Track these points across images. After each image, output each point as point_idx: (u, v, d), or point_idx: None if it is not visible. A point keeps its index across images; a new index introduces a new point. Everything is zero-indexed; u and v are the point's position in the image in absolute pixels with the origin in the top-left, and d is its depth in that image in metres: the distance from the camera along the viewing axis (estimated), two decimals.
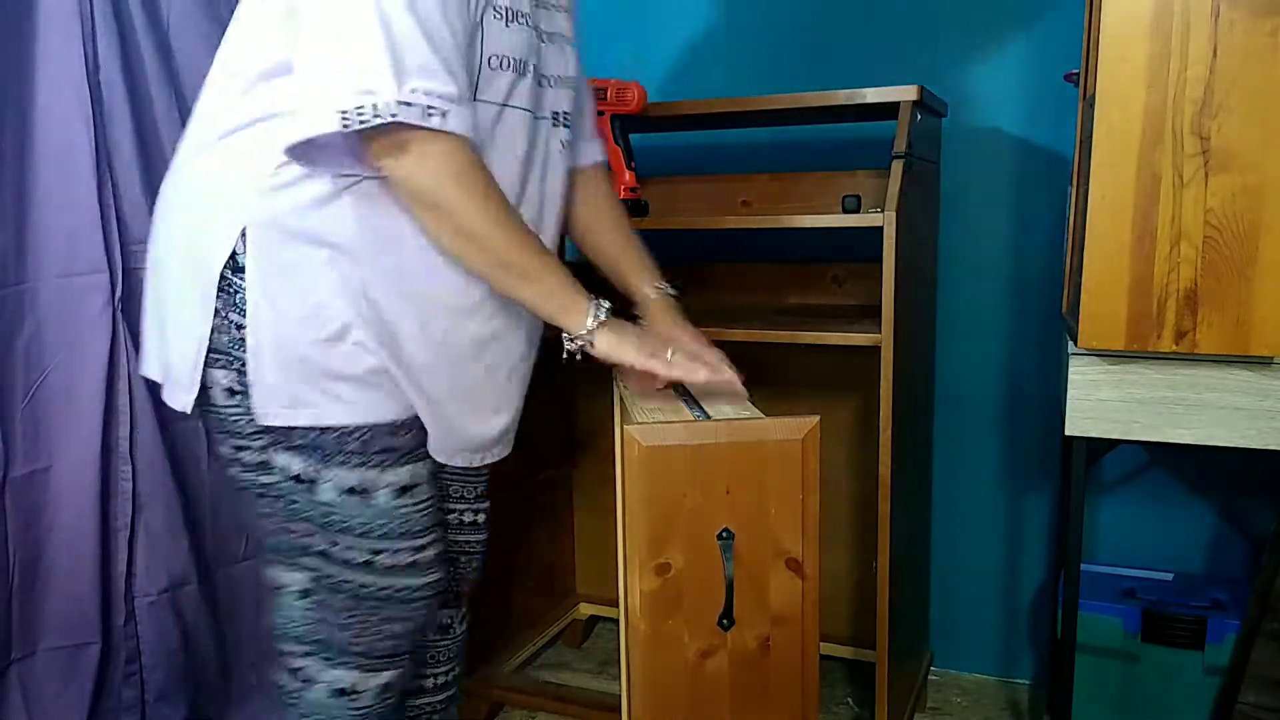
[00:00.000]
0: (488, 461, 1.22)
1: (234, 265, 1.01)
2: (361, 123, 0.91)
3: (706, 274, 1.90)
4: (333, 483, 1.06)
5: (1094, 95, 1.13)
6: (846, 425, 1.82)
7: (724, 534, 1.01)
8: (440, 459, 1.13)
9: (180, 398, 1.06)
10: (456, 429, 1.13)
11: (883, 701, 1.46)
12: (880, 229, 1.35)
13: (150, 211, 1.51)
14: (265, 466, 1.07)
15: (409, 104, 0.92)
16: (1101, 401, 1.19)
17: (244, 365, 1.02)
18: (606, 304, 1.09)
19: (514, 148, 1.09)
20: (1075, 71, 1.42)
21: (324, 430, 1.04)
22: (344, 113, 0.91)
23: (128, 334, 1.50)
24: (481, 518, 1.34)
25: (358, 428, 1.05)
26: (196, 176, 1.07)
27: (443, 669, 1.35)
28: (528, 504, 1.91)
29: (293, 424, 1.03)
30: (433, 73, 0.93)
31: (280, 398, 1.03)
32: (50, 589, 1.51)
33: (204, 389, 1.05)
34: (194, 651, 1.64)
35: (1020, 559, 1.84)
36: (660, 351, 1.10)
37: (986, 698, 1.84)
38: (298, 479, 1.06)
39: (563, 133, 1.17)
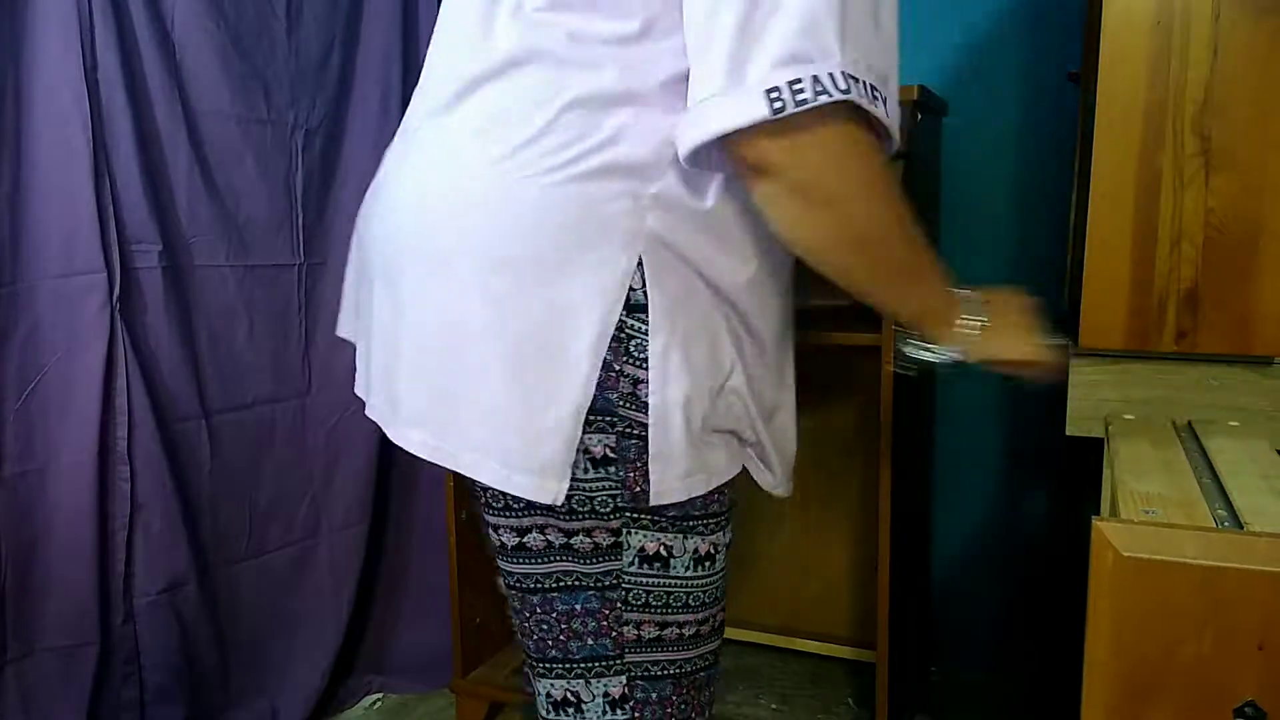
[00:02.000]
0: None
1: (629, 305, 0.78)
2: (800, 104, 0.69)
3: None
4: (688, 555, 0.88)
5: (1094, 95, 1.13)
6: (846, 425, 1.82)
7: (1247, 710, 0.68)
8: (783, 493, 0.99)
9: (548, 487, 0.80)
10: (786, 453, 0.98)
11: (883, 701, 1.46)
12: None
13: (150, 210, 1.53)
14: (610, 552, 0.86)
15: (855, 78, 0.70)
16: (1102, 401, 1.19)
17: (628, 427, 0.81)
18: (966, 290, 0.89)
19: None
20: (1075, 71, 1.42)
21: (698, 497, 0.86)
22: (773, 91, 0.69)
23: (126, 334, 1.50)
24: None
25: (719, 488, 0.88)
26: (530, 184, 0.78)
27: None
28: None
29: (690, 495, 0.84)
30: (868, 44, 0.72)
31: (680, 466, 0.82)
32: (48, 589, 1.50)
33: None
34: (192, 652, 1.64)
35: (1020, 559, 1.84)
36: (1033, 331, 0.91)
37: (986, 698, 1.84)
38: (652, 558, 0.87)
39: None
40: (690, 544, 0.88)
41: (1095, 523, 0.70)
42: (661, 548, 0.87)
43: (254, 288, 1.67)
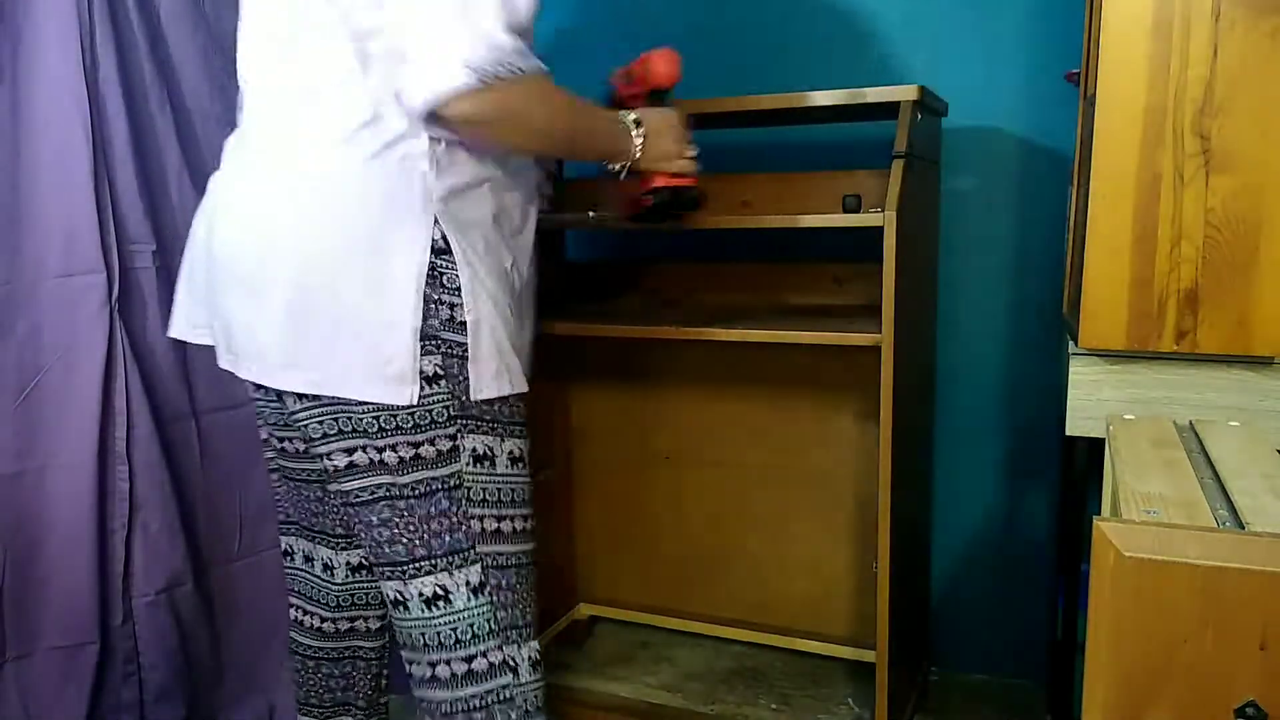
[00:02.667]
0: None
1: (436, 249, 1.04)
2: (497, 76, 0.99)
3: (706, 274, 1.89)
4: (505, 455, 1.12)
5: (1094, 95, 1.13)
6: (846, 425, 1.82)
7: (1248, 709, 0.68)
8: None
9: (403, 392, 1.04)
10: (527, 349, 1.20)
11: (883, 701, 1.46)
12: (880, 229, 1.35)
13: (146, 210, 1.53)
14: (451, 456, 1.08)
15: (524, 54, 1.01)
16: (1102, 401, 1.19)
17: (451, 347, 1.05)
18: (631, 114, 1.21)
19: None
20: (1075, 71, 1.42)
21: (505, 399, 1.10)
22: (472, 67, 0.97)
23: (125, 334, 1.50)
24: None
25: (520, 394, 1.12)
26: (356, 174, 1.05)
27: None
28: None
29: (501, 394, 1.09)
30: (525, 33, 1.04)
31: (490, 369, 1.08)
32: (48, 589, 1.50)
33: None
34: (192, 651, 1.64)
35: (1020, 559, 1.84)
36: (684, 143, 1.27)
37: (986, 698, 1.84)
38: (482, 459, 1.10)
39: None
40: (506, 446, 1.12)
41: (1096, 523, 0.70)
42: (487, 448, 1.10)
43: None
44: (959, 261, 1.80)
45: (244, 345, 1.09)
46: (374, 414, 1.05)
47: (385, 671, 1.41)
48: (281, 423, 1.21)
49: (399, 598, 1.12)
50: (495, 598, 1.11)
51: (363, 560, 1.28)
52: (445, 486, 1.08)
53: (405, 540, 1.09)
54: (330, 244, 1.04)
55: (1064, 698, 1.40)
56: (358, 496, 1.09)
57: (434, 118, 1.02)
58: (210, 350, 1.16)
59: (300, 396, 1.07)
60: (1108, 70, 1.10)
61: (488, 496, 1.11)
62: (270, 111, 1.12)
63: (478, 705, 1.12)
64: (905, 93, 1.43)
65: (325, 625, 1.32)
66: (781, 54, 1.87)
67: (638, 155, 1.20)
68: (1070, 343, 1.23)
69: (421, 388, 1.04)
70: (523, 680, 1.13)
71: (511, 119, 1.04)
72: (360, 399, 1.04)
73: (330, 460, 1.09)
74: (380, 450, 1.06)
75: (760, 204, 1.80)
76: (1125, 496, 0.78)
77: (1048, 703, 1.62)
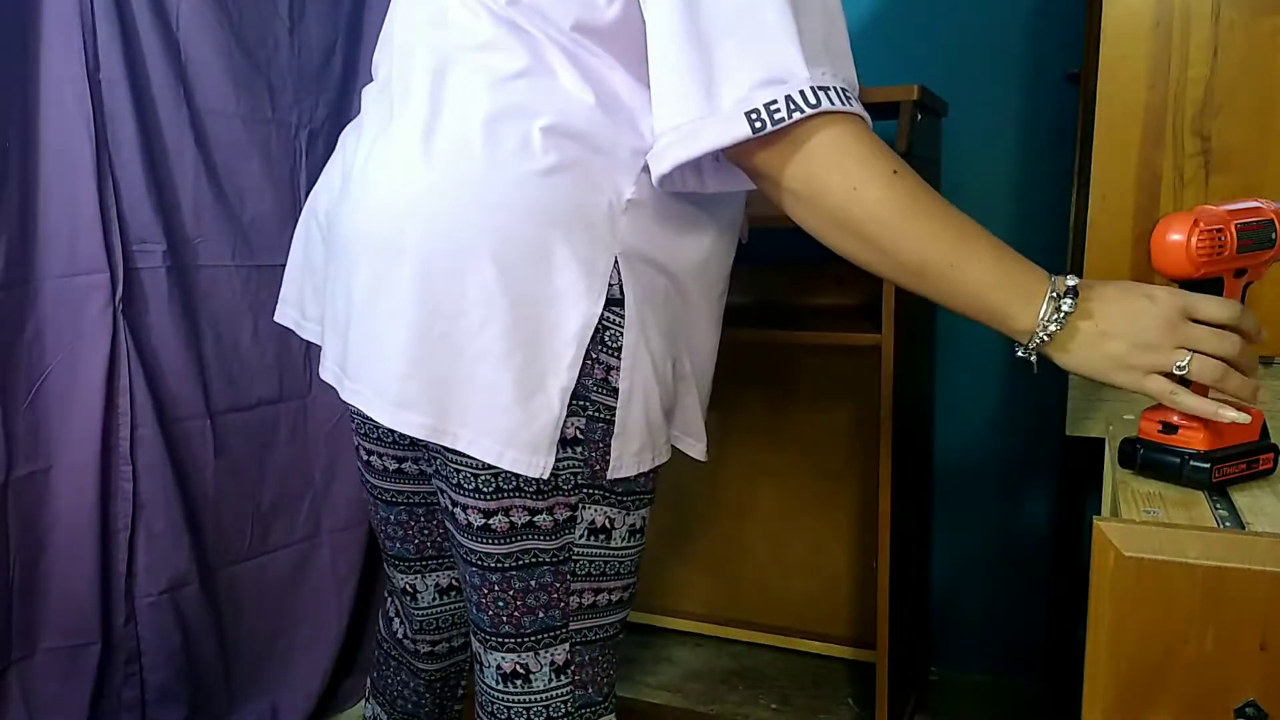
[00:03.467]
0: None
1: (608, 300, 0.87)
2: (777, 122, 0.75)
3: None
4: (626, 527, 0.98)
5: (1094, 95, 1.13)
6: (846, 425, 1.82)
7: (1248, 710, 0.67)
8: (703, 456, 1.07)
9: (536, 462, 0.87)
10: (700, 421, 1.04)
11: (883, 701, 1.46)
12: None
13: (154, 210, 1.53)
14: (566, 526, 0.93)
15: (825, 88, 0.76)
16: (1102, 401, 1.19)
17: (597, 411, 0.89)
18: (1072, 281, 0.81)
19: None
20: (1075, 71, 1.42)
21: (645, 472, 0.95)
22: (752, 113, 0.75)
23: (129, 334, 1.50)
24: None
25: (656, 466, 0.97)
26: (515, 189, 0.84)
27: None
28: None
29: (639, 470, 0.93)
30: (836, 53, 0.80)
31: (634, 445, 0.92)
32: (50, 589, 1.51)
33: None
34: (194, 652, 1.64)
35: (1020, 559, 1.84)
36: (1168, 351, 0.78)
37: (986, 698, 1.84)
38: (598, 530, 0.96)
39: None
40: (630, 518, 0.97)
41: (1096, 522, 0.69)
42: (608, 520, 0.95)
43: (259, 288, 1.67)
44: None
45: (356, 361, 0.93)
46: (491, 471, 0.89)
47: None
48: (375, 435, 1.08)
49: (478, 658, 1.01)
50: (578, 675, 0.99)
51: (452, 581, 1.17)
52: (553, 561, 0.94)
53: (492, 612, 0.96)
54: (497, 267, 0.84)
55: (1064, 698, 1.40)
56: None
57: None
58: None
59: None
60: (1108, 70, 1.11)
61: (593, 570, 0.97)
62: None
63: None
64: (905, 92, 1.43)
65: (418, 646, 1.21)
66: None
67: (1045, 339, 0.81)
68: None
69: (557, 452, 0.88)
70: None
71: (814, 198, 0.81)
72: (490, 461, 0.87)
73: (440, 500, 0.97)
74: (489, 515, 0.91)
75: (760, 203, 1.80)
76: (1125, 496, 0.77)
77: (1048, 703, 1.62)
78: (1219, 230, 0.80)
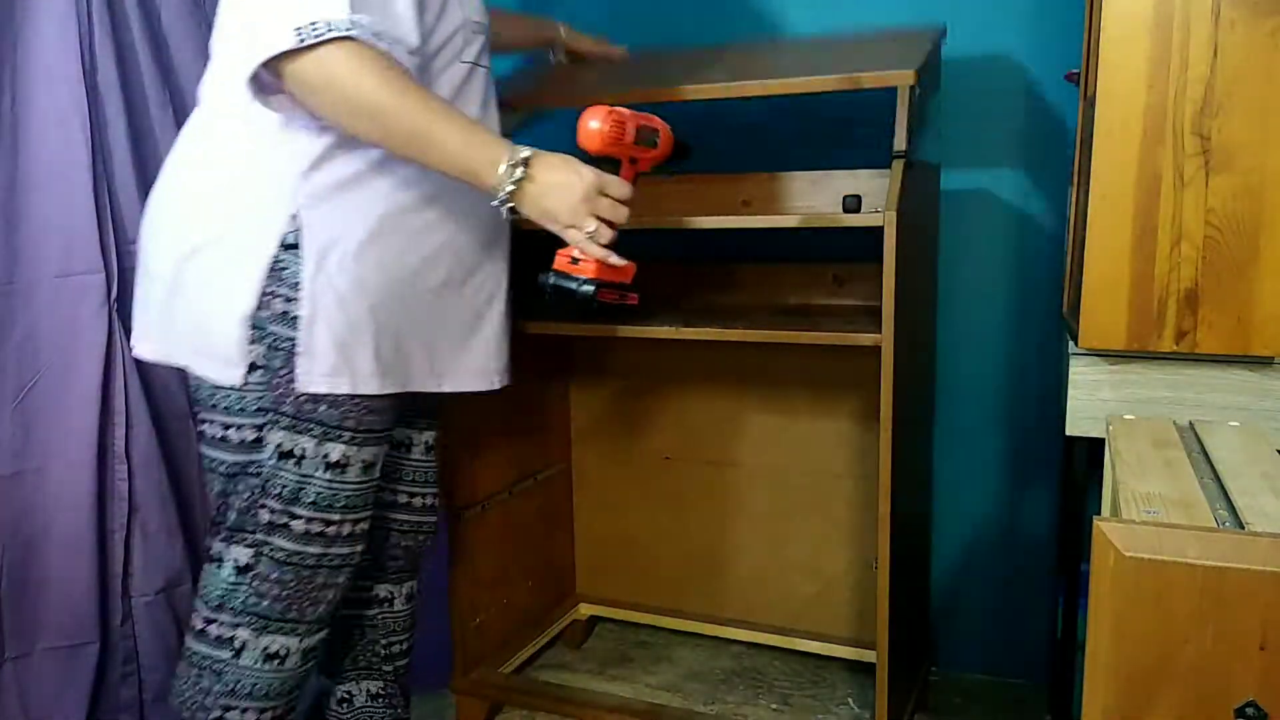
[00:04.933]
0: (495, 386, 1.35)
1: (283, 244, 1.10)
2: (316, 36, 0.98)
3: (707, 274, 1.89)
4: (321, 458, 1.15)
5: (1094, 95, 1.13)
6: (846, 425, 1.82)
7: (1248, 709, 0.68)
8: (437, 387, 1.26)
9: (229, 372, 1.13)
10: (442, 355, 1.25)
11: (883, 701, 1.46)
12: (880, 229, 1.35)
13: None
14: (254, 445, 1.16)
15: (358, 24, 1.01)
16: (1102, 401, 1.19)
17: (277, 339, 1.10)
18: (526, 151, 1.09)
19: (475, 101, 1.23)
20: (1075, 71, 1.42)
21: (338, 401, 1.13)
22: (299, 29, 0.99)
23: (124, 334, 1.50)
24: (434, 501, 1.44)
25: (363, 399, 1.15)
26: (225, 165, 1.15)
27: (397, 638, 1.44)
28: (527, 504, 1.91)
29: (331, 390, 1.12)
30: (370, 6, 1.04)
31: (324, 365, 1.11)
32: (47, 589, 1.50)
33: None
34: None
35: (1020, 559, 1.84)
36: (584, 214, 1.11)
37: (986, 698, 1.84)
38: (288, 454, 1.15)
39: (490, 76, 1.29)
40: (322, 449, 1.14)
41: (1096, 522, 0.70)
42: (296, 446, 1.14)
43: None
44: (959, 261, 1.79)
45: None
46: (208, 389, 1.16)
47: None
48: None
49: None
50: (256, 585, 1.18)
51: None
52: (245, 473, 1.16)
53: (212, 500, 1.21)
54: (195, 226, 1.14)
55: (1064, 698, 1.40)
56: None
57: (265, 88, 1.05)
58: None
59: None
60: (1108, 70, 1.10)
61: (285, 494, 1.15)
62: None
63: (195, 663, 1.20)
64: (902, 78, 1.39)
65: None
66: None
67: (506, 198, 1.09)
68: (1070, 343, 1.23)
69: (247, 371, 1.12)
70: (242, 663, 1.19)
71: (330, 88, 1.03)
72: (196, 372, 1.16)
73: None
74: (199, 422, 1.20)
75: (760, 204, 1.80)
76: (1125, 496, 0.78)
77: (1048, 703, 1.62)
78: (623, 124, 1.19)
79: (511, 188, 1.08)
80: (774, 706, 1.76)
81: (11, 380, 1.45)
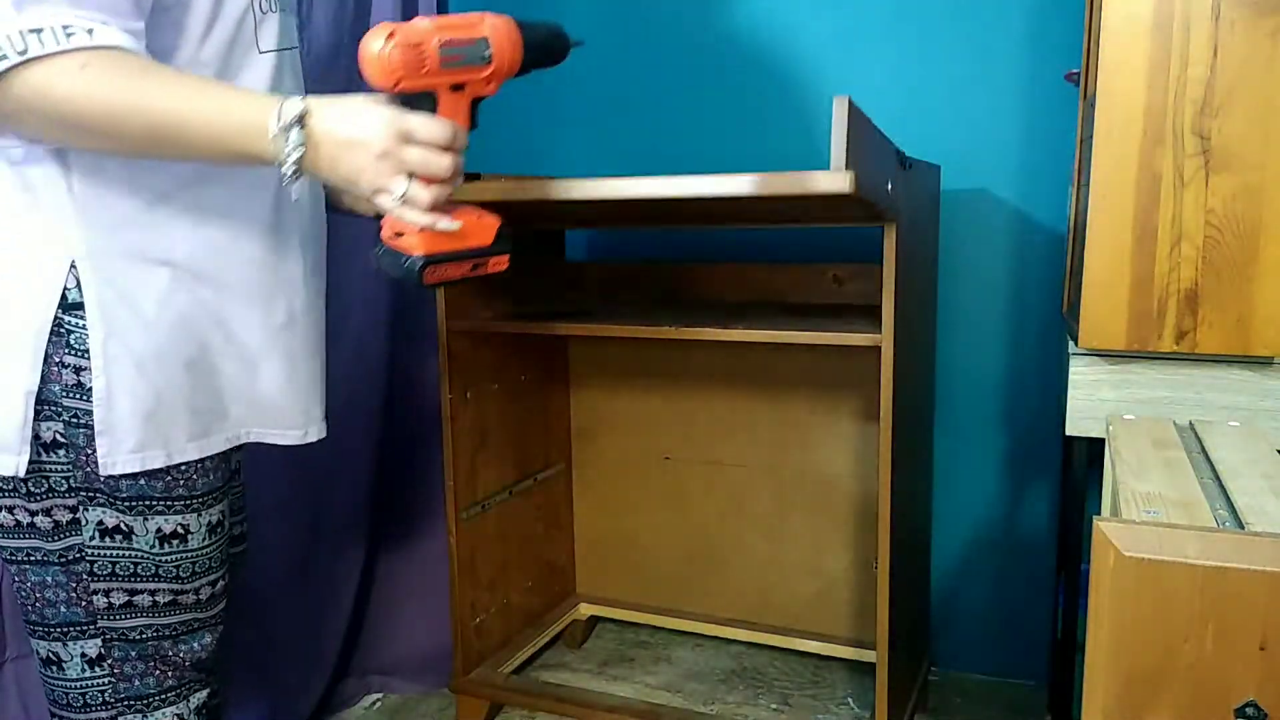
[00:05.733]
0: (307, 440, 1.14)
1: (65, 303, 0.90)
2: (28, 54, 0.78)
3: (707, 274, 1.90)
4: (151, 533, 0.98)
5: (1094, 95, 1.13)
6: (846, 425, 1.82)
7: (1248, 710, 0.68)
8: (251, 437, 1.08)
9: (8, 461, 0.93)
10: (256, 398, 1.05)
11: (883, 702, 1.46)
12: (880, 229, 1.35)
13: None
14: (70, 528, 0.97)
15: (38, 29, 0.78)
16: (1102, 401, 1.19)
17: (75, 415, 0.92)
18: (299, 104, 0.85)
19: (290, 89, 1.02)
20: (1075, 71, 1.42)
21: (154, 475, 0.96)
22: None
23: None
24: (242, 529, 1.25)
25: (189, 466, 0.98)
26: None
27: None
28: (527, 504, 1.91)
29: (144, 468, 0.95)
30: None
31: (129, 442, 0.93)
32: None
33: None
34: None
35: (1020, 559, 1.84)
36: (388, 173, 0.86)
37: (986, 698, 1.84)
38: (112, 531, 0.97)
39: (296, 56, 1.07)
40: (152, 524, 0.97)
41: (1096, 522, 0.70)
42: (121, 523, 0.96)
43: None
44: (959, 261, 1.80)
45: None
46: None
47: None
48: None
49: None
50: (118, 669, 1.01)
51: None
52: (60, 561, 0.97)
53: (21, 600, 1.01)
54: None
55: (1064, 698, 1.40)
56: None
57: None
58: None
59: None
60: (1108, 70, 1.10)
61: (119, 571, 0.98)
62: None
63: None
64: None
65: None
66: (778, 53, 1.88)
67: (292, 171, 0.86)
68: (1070, 343, 1.23)
69: (36, 454, 0.92)
70: None
71: (29, 110, 0.81)
72: None
73: None
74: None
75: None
76: (1125, 496, 0.78)
77: (1048, 703, 1.62)
78: (419, 45, 0.86)
79: (296, 154, 0.85)
80: (774, 706, 1.76)
81: None
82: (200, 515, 1.01)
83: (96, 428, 0.92)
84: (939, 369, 1.81)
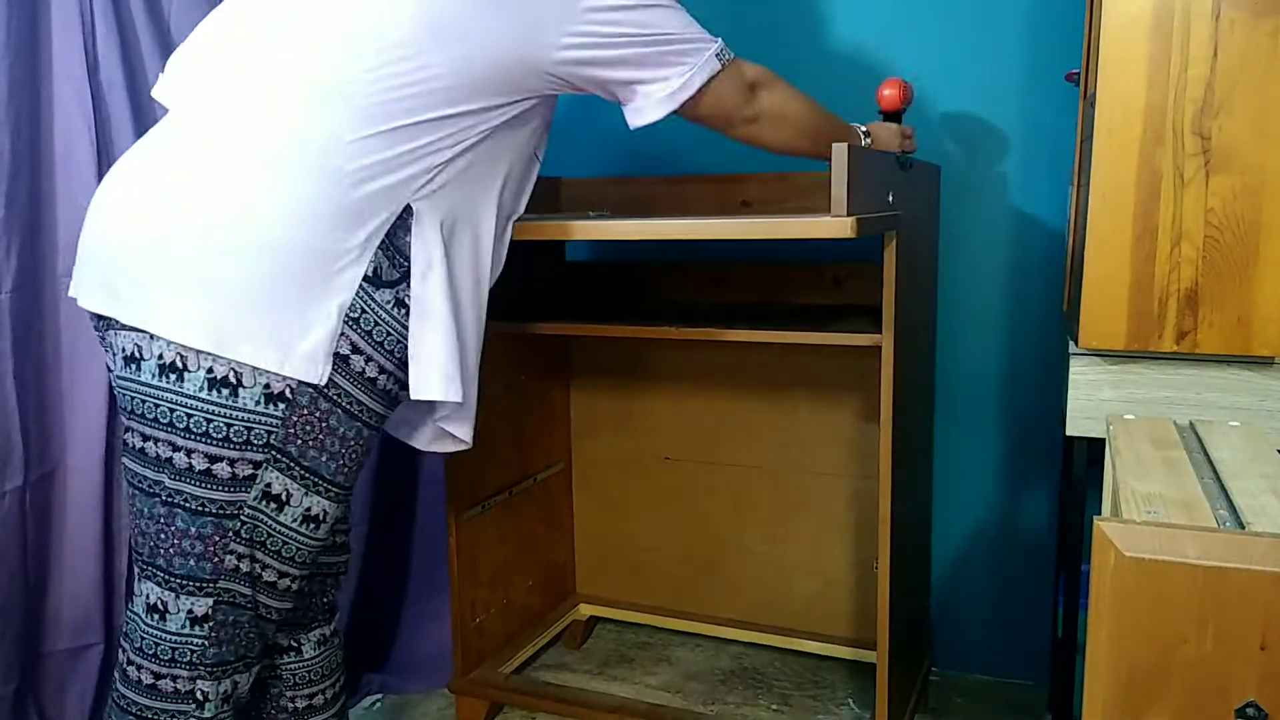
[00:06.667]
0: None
1: (368, 279, 1.06)
2: (730, 59, 1.23)
3: (707, 274, 1.90)
4: (300, 508, 1.06)
5: (1094, 95, 1.13)
6: (846, 425, 1.82)
7: (1249, 710, 0.67)
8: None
9: (314, 370, 1.01)
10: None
11: (883, 702, 1.46)
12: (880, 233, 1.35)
13: None
14: (245, 483, 1.02)
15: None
16: (1102, 401, 1.19)
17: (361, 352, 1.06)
18: (863, 126, 1.46)
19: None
20: (1075, 71, 1.42)
21: (338, 454, 1.07)
22: (720, 54, 1.21)
23: None
24: (344, 539, 1.31)
25: (353, 464, 1.11)
26: (327, 189, 1.02)
27: (303, 691, 1.29)
28: (527, 504, 1.91)
29: (446, 398, 1.11)
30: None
31: (439, 372, 1.10)
32: (55, 590, 1.51)
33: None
34: None
35: (1020, 559, 1.84)
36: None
37: (986, 698, 1.84)
38: (274, 498, 1.04)
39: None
40: (308, 500, 1.06)
41: (1097, 522, 0.70)
42: (285, 490, 1.04)
43: None
44: (959, 261, 1.80)
45: None
46: (202, 410, 0.99)
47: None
48: None
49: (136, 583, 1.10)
50: (217, 634, 1.07)
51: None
52: (220, 514, 1.02)
53: (154, 546, 1.05)
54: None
55: (1064, 698, 1.40)
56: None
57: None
58: None
59: None
60: (1108, 70, 1.10)
61: (255, 538, 1.05)
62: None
63: (148, 719, 1.09)
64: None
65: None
66: (778, 53, 1.88)
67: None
68: (1070, 343, 1.23)
69: (261, 403, 1.00)
70: (206, 715, 1.09)
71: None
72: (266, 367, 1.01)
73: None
74: (167, 448, 1.01)
75: (760, 204, 1.80)
76: (1125, 496, 0.78)
77: (1048, 703, 1.62)
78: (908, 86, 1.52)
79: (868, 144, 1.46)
80: (774, 706, 1.76)
81: (19, 382, 1.44)
82: (338, 506, 1.10)
83: (410, 357, 1.09)
84: (939, 369, 1.81)
